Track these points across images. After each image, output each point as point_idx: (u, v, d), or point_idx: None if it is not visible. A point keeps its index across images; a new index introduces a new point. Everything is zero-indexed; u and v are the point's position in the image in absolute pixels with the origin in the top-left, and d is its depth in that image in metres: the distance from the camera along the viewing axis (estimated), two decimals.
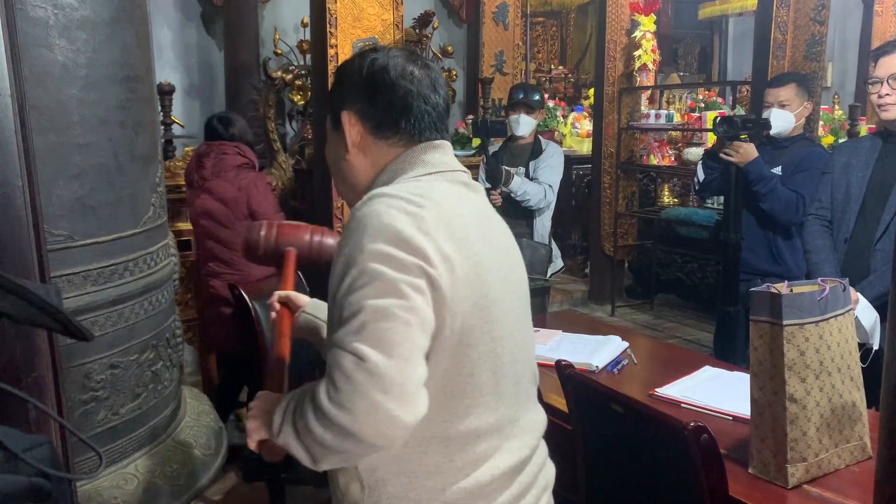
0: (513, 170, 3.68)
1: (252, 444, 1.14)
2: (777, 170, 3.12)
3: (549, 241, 3.81)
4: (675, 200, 5.99)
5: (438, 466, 1.11)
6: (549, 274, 3.75)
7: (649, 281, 5.83)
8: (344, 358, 0.97)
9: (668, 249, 5.70)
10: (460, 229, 1.08)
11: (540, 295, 3.38)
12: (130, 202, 1.57)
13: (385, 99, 1.15)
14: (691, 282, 5.54)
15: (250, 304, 2.70)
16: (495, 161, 3.69)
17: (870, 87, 2.49)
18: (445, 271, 1.03)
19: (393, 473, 1.11)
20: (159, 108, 3.99)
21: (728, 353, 3.09)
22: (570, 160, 6.42)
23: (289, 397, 1.09)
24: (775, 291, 1.63)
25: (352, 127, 1.16)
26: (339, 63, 3.12)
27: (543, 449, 1.30)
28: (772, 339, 1.63)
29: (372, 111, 1.16)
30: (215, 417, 1.90)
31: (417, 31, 5.70)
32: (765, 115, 3.15)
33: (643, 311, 5.84)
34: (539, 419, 1.28)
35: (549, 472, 1.31)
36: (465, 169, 1.21)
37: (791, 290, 1.66)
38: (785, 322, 1.60)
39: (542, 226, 3.80)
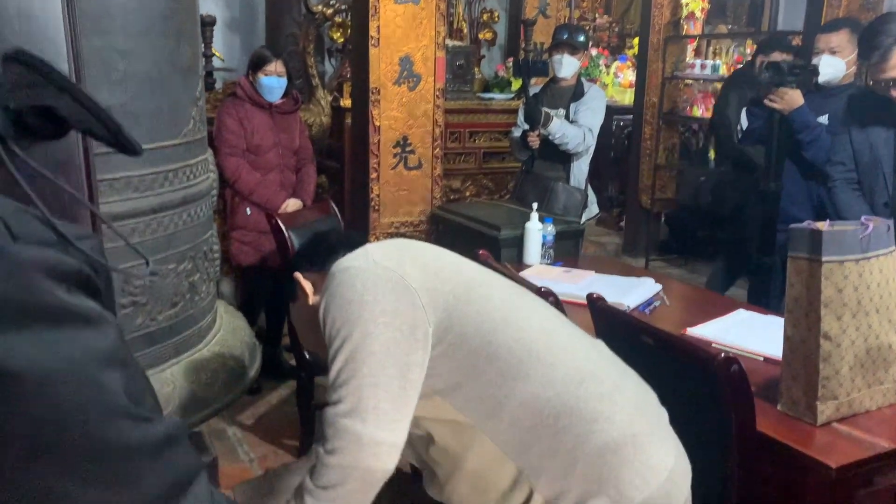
0: (552, 112, 3.62)
1: None
2: (824, 118, 3.03)
3: (586, 187, 3.77)
4: None
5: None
6: (583, 219, 3.72)
7: (685, 236, 5.75)
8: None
9: (706, 205, 5.59)
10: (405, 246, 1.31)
11: (573, 238, 3.36)
12: (171, 113, 1.58)
13: (325, 241, 1.40)
14: (729, 239, 5.44)
15: (286, 233, 2.74)
16: (535, 102, 3.64)
17: None
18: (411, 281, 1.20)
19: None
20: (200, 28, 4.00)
21: (762, 306, 3.06)
22: (612, 110, 6.30)
23: None
24: (816, 228, 1.60)
25: (304, 280, 1.35)
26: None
27: None
28: (809, 276, 1.60)
29: (315, 256, 1.38)
30: (249, 333, 1.94)
31: None
32: (814, 61, 3.05)
33: (677, 265, 5.78)
34: None
35: None
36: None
37: (833, 228, 1.63)
38: (824, 258, 1.57)
39: (580, 170, 3.75)
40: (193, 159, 1.67)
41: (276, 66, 3.29)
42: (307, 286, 1.34)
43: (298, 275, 1.35)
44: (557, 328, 1.34)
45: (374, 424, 1.11)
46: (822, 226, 1.62)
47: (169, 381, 1.57)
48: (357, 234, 1.49)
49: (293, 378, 2.92)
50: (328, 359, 1.17)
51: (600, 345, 1.42)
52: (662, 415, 1.36)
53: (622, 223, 6.26)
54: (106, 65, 1.44)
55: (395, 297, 1.14)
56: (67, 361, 0.45)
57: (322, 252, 1.36)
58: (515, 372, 1.19)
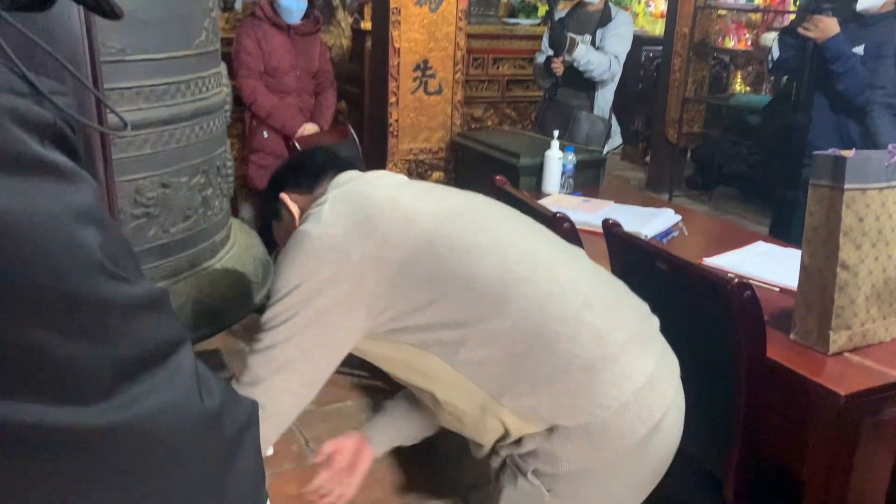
0: (578, 37, 3.53)
1: None
2: (859, 49, 2.92)
3: (609, 116, 3.70)
4: (748, 88, 5.72)
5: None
6: (606, 150, 3.66)
7: (711, 172, 5.66)
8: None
9: (734, 140, 5.49)
10: (364, 198, 1.23)
11: (594, 167, 3.31)
12: (183, 22, 1.55)
13: (311, 163, 1.38)
14: (756, 176, 5.36)
15: None
16: (560, 27, 3.54)
17: None
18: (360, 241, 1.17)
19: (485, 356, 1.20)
20: None
21: (783, 240, 3.02)
22: (641, 41, 6.14)
23: None
24: (840, 155, 1.55)
25: (291, 202, 1.34)
26: None
27: None
28: (830, 205, 1.57)
29: (302, 178, 1.35)
30: (263, 250, 1.95)
31: None
32: None
33: (701, 202, 5.71)
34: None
35: None
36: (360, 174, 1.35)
37: (857, 155, 1.58)
38: (846, 186, 1.53)
39: (604, 98, 3.67)
40: (206, 71, 1.65)
41: None
42: (294, 209, 1.33)
43: (285, 196, 1.34)
44: (528, 249, 1.29)
45: (276, 372, 1.16)
46: (848, 153, 1.58)
47: (182, 292, 1.58)
48: (345, 156, 1.45)
49: None
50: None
51: (579, 255, 1.38)
52: (645, 322, 1.34)
53: (647, 158, 6.17)
54: None
55: (336, 269, 1.15)
56: (41, 212, 0.44)
57: (309, 173, 1.34)
58: (475, 309, 1.19)
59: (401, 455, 2.29)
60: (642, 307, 1.37)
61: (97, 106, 0.70)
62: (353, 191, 1.25)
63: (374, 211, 1.19)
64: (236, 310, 1.68)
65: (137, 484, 0.49)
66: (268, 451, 1.28)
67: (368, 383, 2.88)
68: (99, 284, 0.46)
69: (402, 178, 1.37)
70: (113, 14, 0.56)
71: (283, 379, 1.17)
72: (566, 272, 1.29)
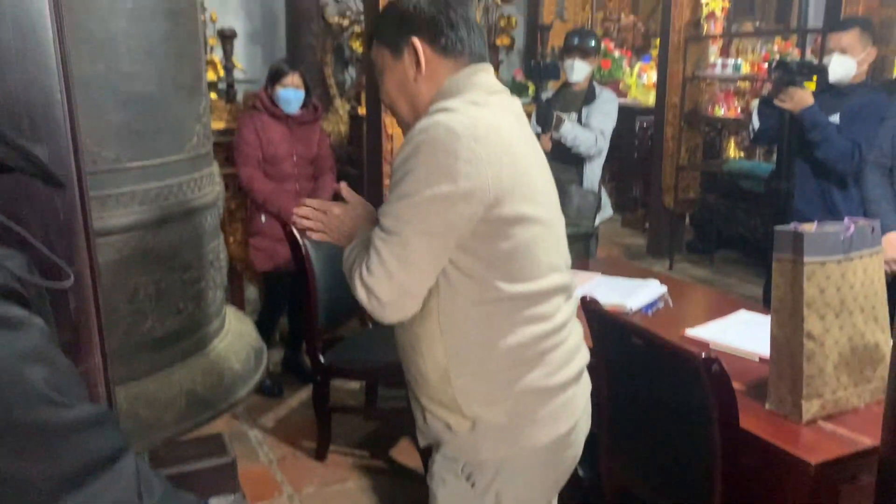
0: (564, 115, 3.66)
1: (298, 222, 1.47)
2: (835, 118, 3.03)
3: (599, 189, 3.80)
4: (741, 154, 5.84)
5: (510, 316, 1.31)
6: (597, 222, 3.75)
7: (710, 236, 5.73)
8: (374, 252, 1.26)
9: (730, 204, 5.58)
10: (509, 136, 1.29)
11: (584, 240, 3.40)
12: (175, 129, 1.67)
13: (455, 22, 1.34)
14: (754, 237, 5.42)
15: (300, 241, 2.83)
16: (547, 106, 3.68)
17: None
18: (493, 173, 1.23)
19: (472, 322, 1.31)
20: (221, 50, 4.12)
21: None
22: (635, 111, 6.32)
23: (354, 244, 1.37)
24: (799, 230, 1.63)
25: (422, 53, 1.34)
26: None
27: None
28: (793, 277, 1.64)
29: (443, 35, 1.34)
30: (256, 337, 2.03)
31: None
32: (825, 60, 3.05)
33: (702, 266, 5.76)
34: (575, 285, 1.49)
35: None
36: (504, 88, 1.40)
37: (820, 230, 1.65)
38: (806, 259, 1.60)
39: (592, 173, 3.78)
40: (198, 172, 1.76)
41: (292, 78, 3.39)
42: (423, 62, 1.33)
43: (419, 43, 1.33)
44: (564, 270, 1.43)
45: (408, 274, 1.25)
46: (810, 227, 1.65)
47: (175, 383, 1.66)
48: (480, 30, 1.40)
49: (313, 381, 3.01)
50: (393, 188, 1.27)
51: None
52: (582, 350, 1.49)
53: (647, 223, 6.26)
54: (111, 87, 1.53)
55: (473, 187, 1.22)
56: None
57: (450, 32, 1.34)
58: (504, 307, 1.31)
59: None
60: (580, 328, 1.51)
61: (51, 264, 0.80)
62: (497, 117, 1.29)
63: (506, 152, 1.27)
64: (229, 398, 1.74)
65: None
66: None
67: (370, 464, 2.91)
68: (42, 413, 0.56)
69: (521, 120, 1.40)
70: (57, 182, 0.67)
71: (415, 275, 1.26)
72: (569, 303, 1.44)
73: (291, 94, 3.39)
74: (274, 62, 3.54)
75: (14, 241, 0.65)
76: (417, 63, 1.34)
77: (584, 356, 1.47)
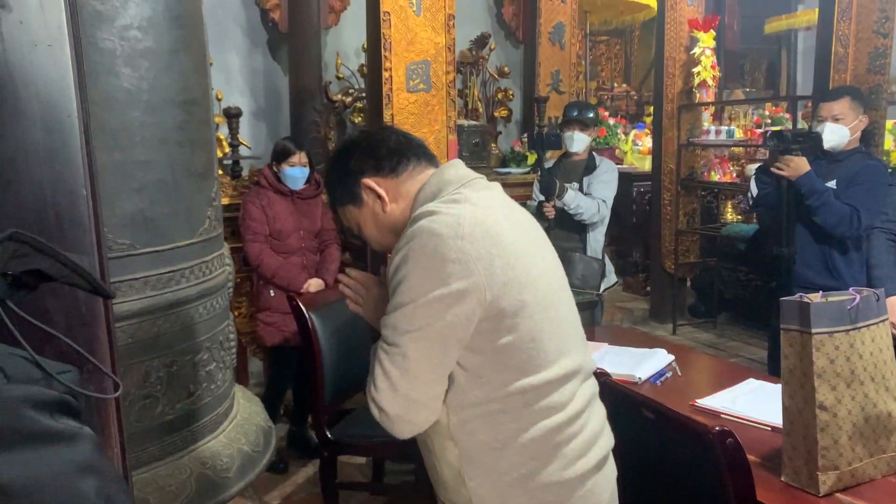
0: (566, 184, 3.73)
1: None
2: (832, 183, 3.08)
3: (603, 256, 3.84)
4: (738, 217, 5.90)
5: (520, 413, 1.29)
6: (602, 289, 3.77)
7: (712, 299, 5.74)
8: (378, 366, 1.26)
9: (730, 267, 5.62)
10: (494, 225, 1.29)
11: (590, 308, 3.41)
12: (187, 214, 1.70)
13: (386, 147, 1.41)
14: (755, 300, 5.44)
15: (307, 315, 2.84)
16: (549, 175, 3.75)
17: None
18: (483, 268, 1.23)
19: (482, 422, 1.29)
20: (227, 128, 4.21)
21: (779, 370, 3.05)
22: (631, 177, 6.41)
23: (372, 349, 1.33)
24: (805, 300, 1.64)
25: (377, 186, 1.39)
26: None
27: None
28: (801, 348, 1.64)
29: (383, 162, 1.39)
30: (265, 417, 2.02)
31: (474, 52, 5.82)
32: (818, 129, 3.12)
33: (706, 329, 5.76)
34: (592, 364, 1.48)
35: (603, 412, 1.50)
36: (477, 175, 1.41)
37: (826, 300, 1.67)
38: (814, 330, 1.61)
39: (596, 240, 3.82)
40: (209, 255, 1.79)
41: (299, 157, 3.48)
42: (382, 192, 1.37)
43: (370, 181, 1.38)
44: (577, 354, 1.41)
45: (411, 384, 1.24)
46: (815, 297, 1.67)
47: (186, 467, 1.64)
48: (413, 138, 1.47)
49: (319, 456, 2.97)
50: (390, 300, 1.27)
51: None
52: (605, 436, 1.47)
53: (648, 288, 6.28)
54: (126, 175, 1.57)
55: (466, 286, 1.22)
56: (49, 473, 0.56)
57: (389, 157, 1.39)
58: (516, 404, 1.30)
59: None
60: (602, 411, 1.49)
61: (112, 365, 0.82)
62: (478, 209, 1.29)
63: (494, 244, 1.26)
64: (239, 482, 1.73)
65: None
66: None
67: None
68: None
69: (505, 203, 1.40)
70: (106, 294, 0.70)
71: (419, 385, 1.25)
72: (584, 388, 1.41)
73: (298, 173, 3.47)
74: (279, 141, 3.62)
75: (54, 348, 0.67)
76: (378, 197, 1.39)
77: (604, 444, 1.43)
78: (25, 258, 0.68)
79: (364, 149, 1.42)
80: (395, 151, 1.40)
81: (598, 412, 1.45)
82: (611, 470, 1.45)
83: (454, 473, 1.33)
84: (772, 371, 3.25)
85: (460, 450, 1.31)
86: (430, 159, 1.43)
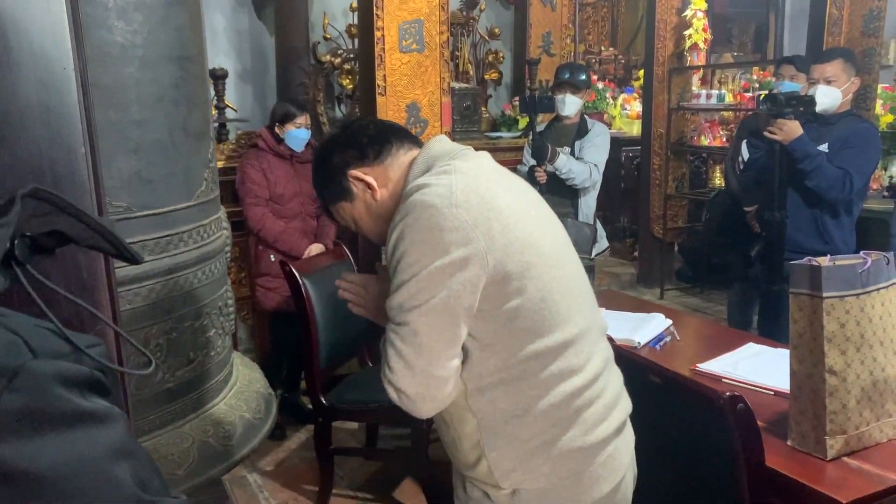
0: (558, 149, 3.68)
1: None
2: (824, 146, 3.07)
3: (594, 222, 3.81)
4: None
5: (537, 377, 1.27)
6: (593, 254, 3.75)
7: (699, 264, 5.76)
8: (390, 348, 1.23)
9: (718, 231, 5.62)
10: (488, 192, 1.26)
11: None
12: (184, 176, 1.65)
13: (366, 134, 1.39)
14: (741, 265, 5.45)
15: (300, 280, 2.79)
16: (541, 138, 3.70)
17: None
18: (482, 233, 1.21)
19: (500, 391, 1.27)
20: (212, 90, 4.11)
21: (773, 332, 3.06)
22: (620, 142, 6.37)
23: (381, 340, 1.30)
24: (815, 264, 1.62)
25: (364, 175, 1.37)
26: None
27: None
28: (812, 312, 1.63)
29: (366, 150, 1.38)
30: (265, 384, 1.99)
31: (464, 13, 5.71)
32: (811, 91, 3.09)
33: (693, 294, 5.78)
34: (605, 324, 1.48)
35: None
36: (464, 147, 1.40)
37: (834, 264, 1.65)
38: (825, 294, 1.60)
39: (587, 205, 3.79)
40: (207, 219, 1.73)
41: (305, 118, 3.42)
42: (370, 180, 1.36)
43: (356, 172, 1.36)
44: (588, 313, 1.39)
45: (427, 359, 1.21)
46: (823, 261, 1.65)
47: (188, 435, 1.61)
48: (392, 123, 1.47)
49: (312, 422, 2.95)
50: (392, 280, 1.24)
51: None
52: (623, 399, 1.46)
53: (636, 253, 6.28)
54: (122, 135, 1.51)
55: (467, 253, 1.20)
56: (83, 458, 0.52)
57: (371, 144, 1.38)
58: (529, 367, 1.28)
59: None
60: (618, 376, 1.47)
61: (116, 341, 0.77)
62: (469, 177, 1.27)
63: (490, 209, 1.24)
64: (241, 449, 1.70)
65: None
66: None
67: None
68: None
69: (496, 170, 1.38)
70: (133, 260, 0.64)
71: (435, 360, 1.22)
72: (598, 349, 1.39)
73: (303, 134, 3.43)
74: (280, 103, 3.56)
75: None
76: (368, 186, 1.37)
77: (623, 408, 1.42)
78: (46, 217, 0.62)
79: (344, 142, 1.41)
80: (376, 138, 1.39)
81: (616, 376, 1.44)
82: (630, 434, 1.45)
83: (473, 445, 1.30)
84: (762, 331, 3.27)
85: (479, 421, 1.28)
86: (413, 141, 1.42)
